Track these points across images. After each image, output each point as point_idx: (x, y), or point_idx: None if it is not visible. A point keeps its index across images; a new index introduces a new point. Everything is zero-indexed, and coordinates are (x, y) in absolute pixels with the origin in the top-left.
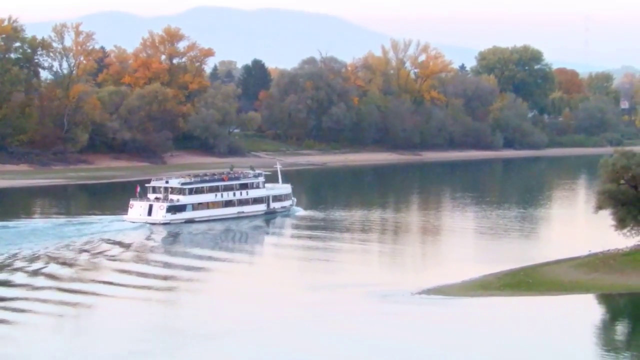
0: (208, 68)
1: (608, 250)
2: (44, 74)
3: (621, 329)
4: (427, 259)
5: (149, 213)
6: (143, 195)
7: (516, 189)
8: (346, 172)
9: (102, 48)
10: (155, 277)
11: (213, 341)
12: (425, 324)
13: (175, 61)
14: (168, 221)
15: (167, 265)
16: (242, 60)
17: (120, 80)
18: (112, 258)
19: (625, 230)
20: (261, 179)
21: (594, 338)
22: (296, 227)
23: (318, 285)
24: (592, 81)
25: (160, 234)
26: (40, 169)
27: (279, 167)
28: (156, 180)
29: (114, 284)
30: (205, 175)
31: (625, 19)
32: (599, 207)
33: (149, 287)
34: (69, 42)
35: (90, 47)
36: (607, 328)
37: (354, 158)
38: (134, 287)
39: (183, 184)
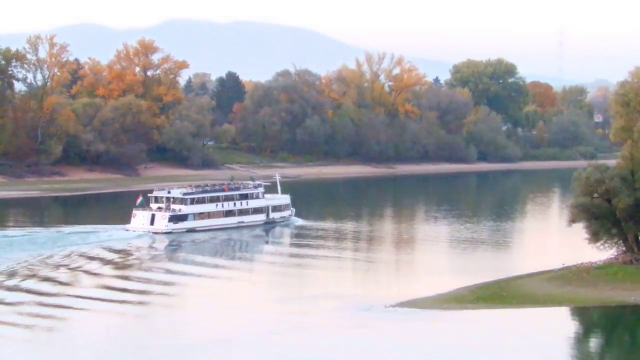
0: (182, 80)
1: (581, 264)
2: (18, 86)
3: (594, 342)
4: (402, 271)
5: (152, 222)
6: (145, 205)
7: (490, 202)
8: (320, 184)
9: (76, 60)
10: (151, 283)
11: (183, 354)
12: (398, 336)
13: (149, 73)
14: (170, 230)
15: (168, 271)
16: (216, 72)
17: (95, 92)
18: (115, 266)
19: (598, 244)
20: (261, 190)
21: (568, 351)
22: (293, 237)
23: (295, 296)
24: (565, 95)
25: (162, 242)
26: (13, 181)
27: (278, 178)
28: (158, 190)
29: (113, 290)
30: (207, 185)
31: (599, 33)
32: (573, 220)
33: (144, 293)
34: (43, 53)
35: (65, 59)
36: (580, 341)
37: (328, 171)
38: (133, 293)
39: (185, 194)
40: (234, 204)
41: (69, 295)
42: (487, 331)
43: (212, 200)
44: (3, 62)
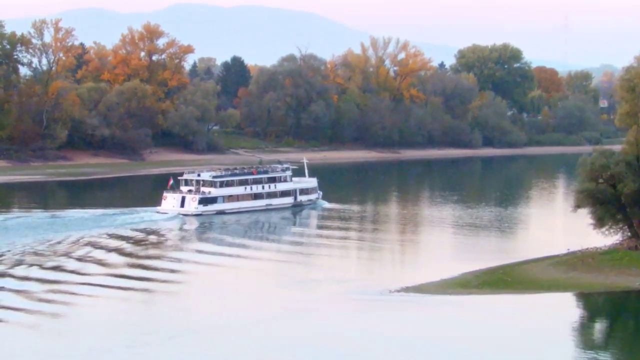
0: (187, 65)
1: (586, 249)
2: (23, 70)
3: (599, 328)
4: (407, 256)
5: (182, 205)
6: (176, 188)
7: (495, 187)
8: (325, 169)
9: (82, 44)
10: (176, 262)
11: (175, 340)
12: (402, 322)
13: (154, 58)
14: (200, 212)
15: (193, 252)
16: (221, 57)
17: (100, 76)
18: (145, 246)
19: (603, 229)
20: (289, 173)
21: (572, 336)
22: (319, 219)
23: (301, 280)
24: (571, 80)
25: (192, 224)
26: (19, 165)
27: (305, 161)
28: (188, 173)
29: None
30: (236, 169)
31: (605, 18)
32: (578, 205)
33: (164, 271)
34: (48, 38)
35: (70, 44)
36: (585, 327)
37: (333, 156)
38: (159, 271)
39: (214, 177)
40: (263, 187)
41: (103, 274)
42: (492, 316)
43: (241, 183)
44: (8, 46)
